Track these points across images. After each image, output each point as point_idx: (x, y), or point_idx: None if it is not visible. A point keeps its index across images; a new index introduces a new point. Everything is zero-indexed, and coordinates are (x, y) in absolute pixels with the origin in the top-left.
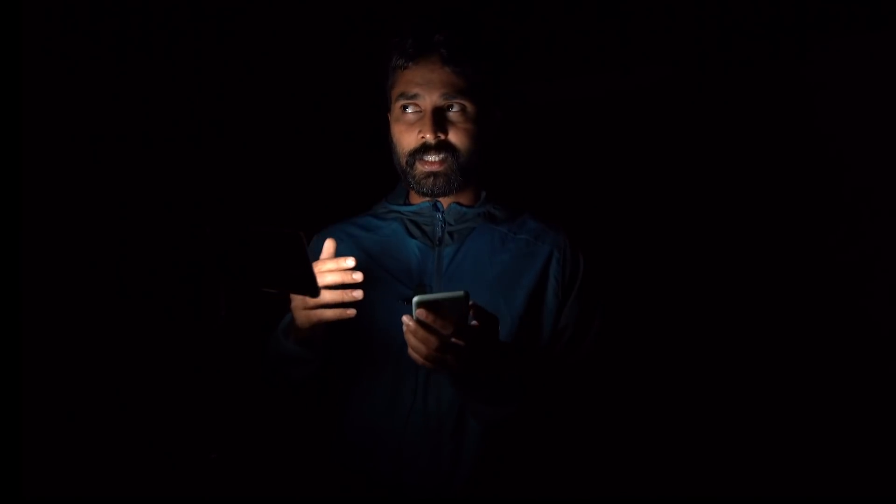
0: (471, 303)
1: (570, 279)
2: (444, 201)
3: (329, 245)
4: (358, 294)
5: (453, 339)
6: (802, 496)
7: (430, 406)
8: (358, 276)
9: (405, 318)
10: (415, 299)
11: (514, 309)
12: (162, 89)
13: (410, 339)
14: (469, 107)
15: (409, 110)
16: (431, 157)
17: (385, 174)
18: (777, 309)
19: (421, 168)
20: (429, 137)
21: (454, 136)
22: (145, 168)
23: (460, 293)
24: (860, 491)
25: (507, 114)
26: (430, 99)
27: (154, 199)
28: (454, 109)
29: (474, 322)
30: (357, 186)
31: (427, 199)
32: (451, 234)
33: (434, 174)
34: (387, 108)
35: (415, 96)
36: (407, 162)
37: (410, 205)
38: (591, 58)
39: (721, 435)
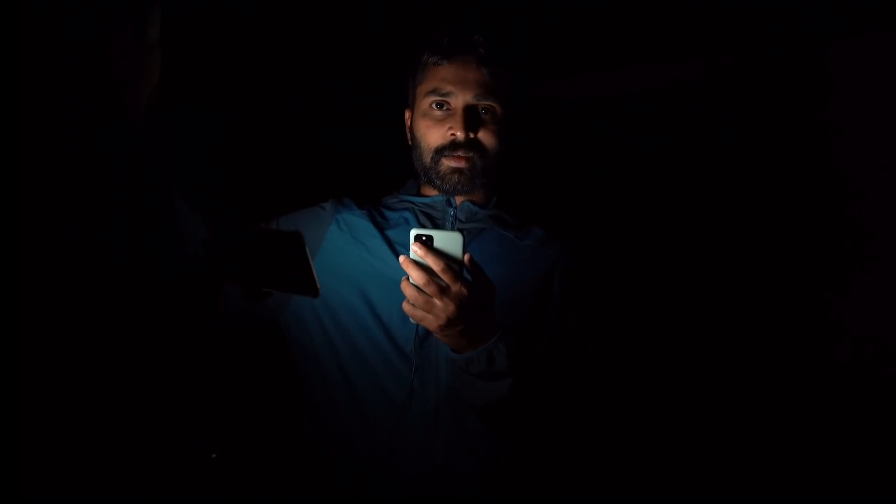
0: (467, 256)
1: (574, 286)
2: (458, 198)
3: None
4: None
5: (444, 280)
6: (798, 496)
7: (428, 396)
8: None
9: (401, 257)
10: (412, 231)
11: (514, 311)
12: (163, 87)
13: (404, 285)
14: (498, 109)
15: (440, 108)
16: (459, 154)
17: (386, 174)
18: (785, 311)
19: (447, 164)
20: (459, 135)
21: (483, 136)
22: (145, 166)
23: (456, 232)
24: (855, 490)
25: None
26: (462, 97)
27: (154, 198)
28: (485, 111)
29: (468, 276)
30: (359, 186)
31: (441, 193)
32: (460, 230)
33: (459, 171)
34: (406, 104)
35: (448, 94)
36: (432, 158)
37: (424, 196)
38: (594, 56)
39: (719, 435)
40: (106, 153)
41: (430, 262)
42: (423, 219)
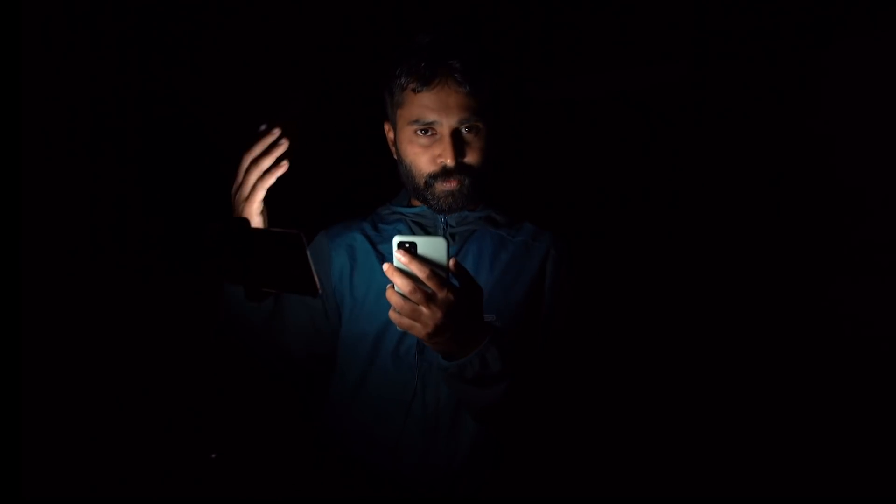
0: (452, 261)
1: (565, 276)
2: None
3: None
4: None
5: (430, 287)
6: (797, 495)
7: (428, 400)
8: (280, 139)
9: (385, 265)
10: (395, 238)
11: (514, 308)
12: (163, 87)
13: (389, 293)
14: (482, 126)
15: (425, 133)
16: (451, 179)
17: (385, 176)
18: (777, 310)
19: (441, 188)
20: (449, 163)
21: (471, 157)
22: (146, 167)
23: (440, 237)
24: (856, 489)
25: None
26: (447, 124)
27: (154, 199)
28: (469, 131)
29: (455, 282)
30: (359, 188)
31: (437, 212)
32: (452, 235)
33: (452, 194)
34: (385, 117)
35: (432, 123)
36: (426, 183)
37: (413, 206)
38: (588, 57)
39: (718, 431)
40: (107, 155)
41: (415, 269)
42: (415, 228)
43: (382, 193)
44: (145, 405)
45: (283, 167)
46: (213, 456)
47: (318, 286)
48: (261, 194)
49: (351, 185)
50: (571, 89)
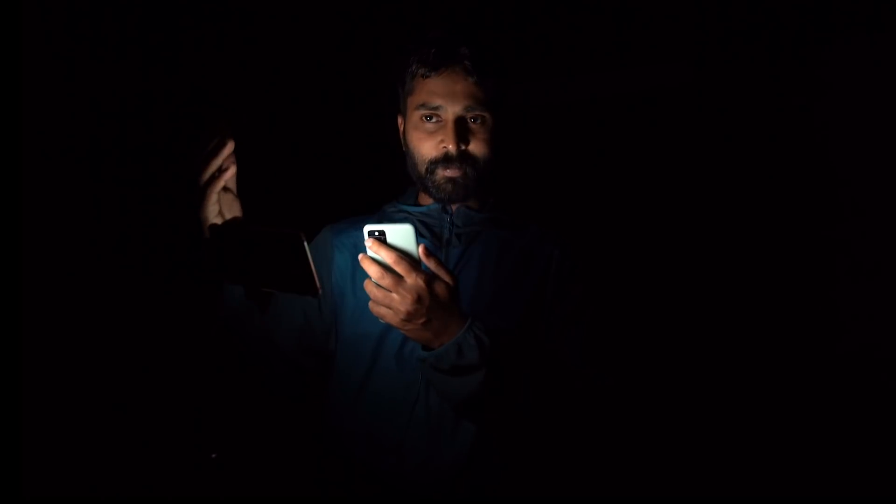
0: (421, 248)
1: (569, 280)
2: (453, 204)
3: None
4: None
5: (399, 271)
6: (777, 495)
7: (431, 401)
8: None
9: (360, 255)
10: (365, 228)
11: (517, 310)
12: (163, 87)
13: (365, 284)
14: (488, 118)
15: (430, 120)
16: (452, 167)
17: (390, 174)
18: (776, 311)
19: (442, 174)
20: (451, 148)
21: (474, 147)
22: (146, 167)
23: (408, 224)
24: (851, 489)
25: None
26: (452, 110)
27: (154, 199)
28: (474, 121)
29: (427, 269)
30: (362, 187)
31: (437, 202)
32: (458, 235)
33: (453, 180)
34: (397, 108)
35: (437, 108)
36: (427, 169)
37: (420, 206)
38: (587, 58)
39: (715, 434)
40: (107, 155)
41: (384, 255)
42: (421, 227)
43: (391, 191)
44: (145, 405)
45: (232, 169)
46: (213, 456)
47: (319, 286)
48: (213, 197)
49: (359, 182)
50: (574, 90)
